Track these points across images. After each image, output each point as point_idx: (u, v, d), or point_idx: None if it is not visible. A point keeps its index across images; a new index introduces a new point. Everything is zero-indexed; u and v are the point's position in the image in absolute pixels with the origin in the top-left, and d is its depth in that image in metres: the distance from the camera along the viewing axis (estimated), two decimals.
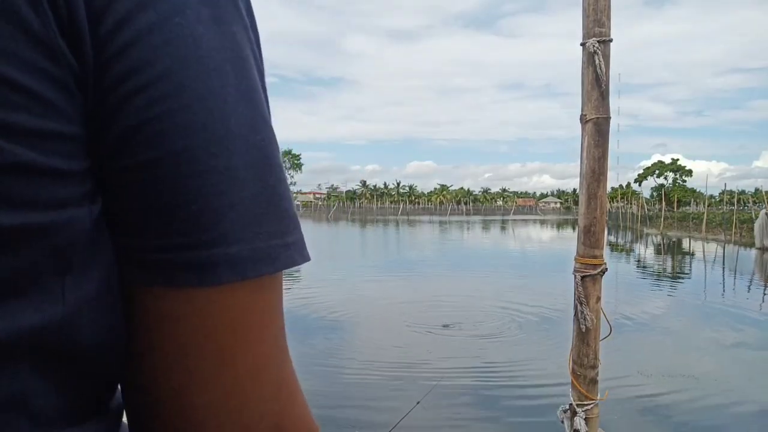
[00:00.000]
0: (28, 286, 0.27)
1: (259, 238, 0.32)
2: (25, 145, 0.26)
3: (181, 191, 0.30)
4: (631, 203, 63.94)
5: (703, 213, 38.12)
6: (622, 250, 26.06)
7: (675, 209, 57.83)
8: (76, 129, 0.28)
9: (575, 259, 2.09)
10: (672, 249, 26.71)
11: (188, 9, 0.30)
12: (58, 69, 0.27)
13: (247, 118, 0.32)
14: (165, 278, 0.31)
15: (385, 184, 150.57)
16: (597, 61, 1.96)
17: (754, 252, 22.82)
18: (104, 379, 0.34)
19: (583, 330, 2.06)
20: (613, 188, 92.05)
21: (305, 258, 0.35)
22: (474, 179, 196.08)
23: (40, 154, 0.26)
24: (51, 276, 0.28)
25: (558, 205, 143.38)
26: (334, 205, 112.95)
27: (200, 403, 0.33)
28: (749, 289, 13.17)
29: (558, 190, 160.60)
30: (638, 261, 20.50)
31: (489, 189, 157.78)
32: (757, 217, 25.36)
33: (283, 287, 0.37)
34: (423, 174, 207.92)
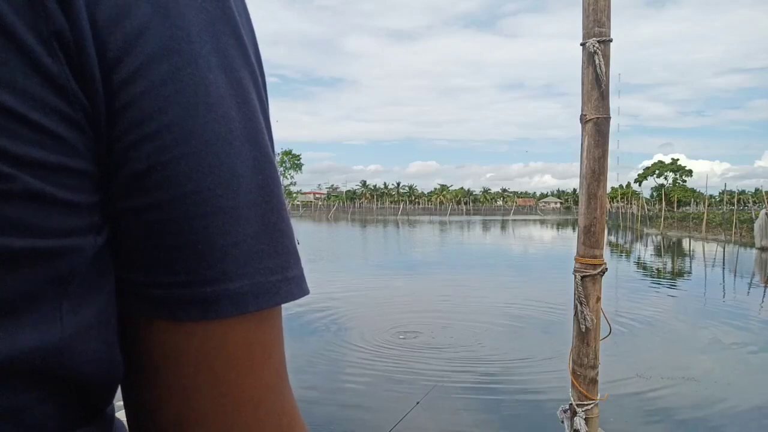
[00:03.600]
0: (28, 308, 0.28)
1: (260, 273, 0.33)
2: (37, 176, 0.27)
3: (187, 231, 0.31)
4: (631, 203, 63.88)
5: (703, 213, 38.11)
6: (622, 250, 26.05)
7: (675, 209, 57.83)
8: (86, 164, 0.29)
9: (575, 259, 2.09)
10: (672, 249, 26.70)
11: (200, 59, 0.31)
12: (70, 108, 0.28)
13: (251, 159, 0.33)
14: (168, 313, 0.32)
15: (385, 184, 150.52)
16: (597, 61, 1.96)
17: (754, 252, 22.81)
18: (99, 396, 0.34)
19: (583, 330, 2.06)
20: (613, 188, 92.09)
21: (304, 291, 0.36)
22: (476, 179, 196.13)
23: (50, 185, 0.28)
24: (50, 300, 0.29)
25: (558, 205, 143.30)
26: (334, 205, 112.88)
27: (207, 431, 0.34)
28: (749, 289, 13.17)
29: (558, 190, 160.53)
30: (638, 261, 20.49)
31: (489, 189, 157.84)
32: (757, 217, 25.35)
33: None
34: (425, 174, 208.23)
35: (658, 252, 25.22)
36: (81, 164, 0.29)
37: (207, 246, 0.32)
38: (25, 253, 0.27)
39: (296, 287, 0.36)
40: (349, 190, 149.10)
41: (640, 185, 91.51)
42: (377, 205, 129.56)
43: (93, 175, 0.30)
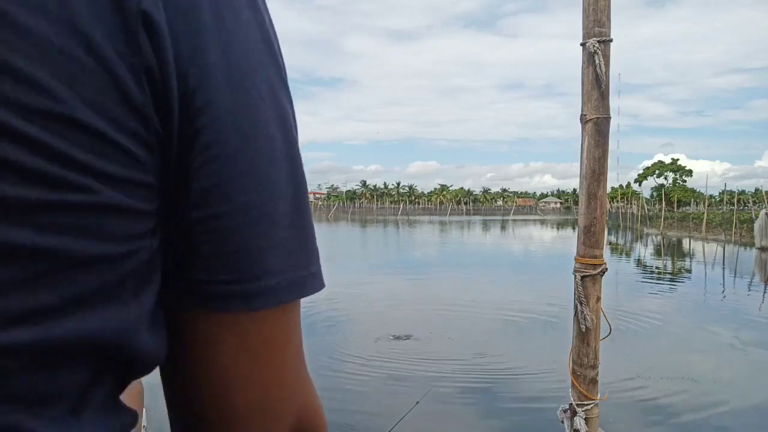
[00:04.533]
0: (101, 298, 0.33)
1: (292, 270, 0.40)
2: (115, 190, 0.32)
3: (239, 237, 0.37)
4: (631, 203, 63.86)
5: (703, 213, 38.10)
6: (622, 251, 26.04)
7: (675, 209, 57.79)
8: (151, 179, 0.35)
9: (575, 259, 2.08)
10: (672, 249, 26.69)
11: (253, 90, 0.37)
12: (146, 132, 0.33)
13: (288, 173, 0.40)
14: (220, 305, 0.38)
15: (385, 184, 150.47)
16: (597, 61, 1.96)
17: (754, 252, 22.81)
18: (137, 375, 0.40)
19: (583, 330, 2.06)
20: (613, 188, 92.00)
21: (323, 284, 0.44)
22: (476, 179, 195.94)
23: (125, 197, 0.33)
24: (117, 292, 0.34)
25: (558, 205, 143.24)
26: (334, 205, 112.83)
27: (242, 402, 0.42)
28: (749, 289, 13.17)
29: (558, 190, 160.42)
30: (638, 261, 20.49)
31: (489, 189, 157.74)
32: (757, 217, 25.34)
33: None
34: (426, 174, 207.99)
35: (658, 252, 25.22)
36: (148, 179, 0.34)
37: (254, 248, 0.38)
38: (100, 256, 0.32)
39: (317, 281, 0.43)
40: (349, 190, 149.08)
41: (640, 185, 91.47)
42: (377, 205, 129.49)
43: (155, 187, 0.35)
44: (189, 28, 0.34)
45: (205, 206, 0.36)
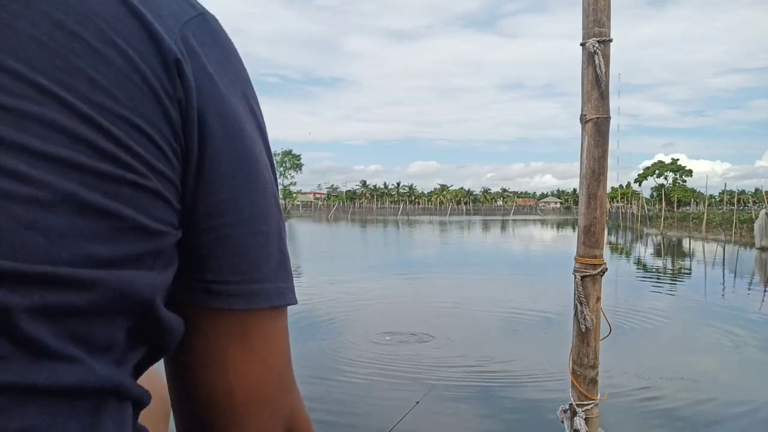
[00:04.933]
0: (141, 263, 0.42)
1: (278, 279, 0.49)
2: (159, 181, 0.43)
3: (242, 245, 0.47)
4: (631, 203, 63.81)
5: (703, 213, 38.08)
6: (622, 250, 26.04)
7: (675, 209, 57.78)
8: (178, 182, 0.44)
9: (575, 259, 2.08)
10: (672, 249, 26.69)
11: (245, 123, 0.48)
12: (177, 144, 0.44)
13: (275, 202, 0.50)
14: (224, 303, 0.47)
15: (385, 184, 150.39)
16: (597, 61, 1.96)
17: (754, 252, 22.80)
18: (159, 352, 0.48)
19: (583, 330, 2.06)
20: (613, 188, 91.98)
21: (295, 301, 0.52)
22: (477, 179, 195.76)
23: (161, 186, 0.43)
24: (152, 262, 0.43)
25: (558, 205, 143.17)
26: (334, 205, 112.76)
27: (241, 394, 0.49)
28: (749, 289, 13.17)
29: (558, 190, 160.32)
30: (638, 261, 20.49)
31: (489, 189, 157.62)
32: (757, 217, 25.33)
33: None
34: (426, 174, 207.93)
35: (658, 252, 25.21)
36: (176, 180, 0.44)
37: (254, 256, 0.47)
38: (146, 228, 0.41)
39: (292, 296, 0.51)
40: (349, 190, 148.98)
41: (640, 185, 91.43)
42: (377, 205, 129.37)
43: (178, 188, 0.44)
44: (205, 84, 0.46)
45: (216, 217, 0.45)
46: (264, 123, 0.53)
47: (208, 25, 0.48)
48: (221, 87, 0.46)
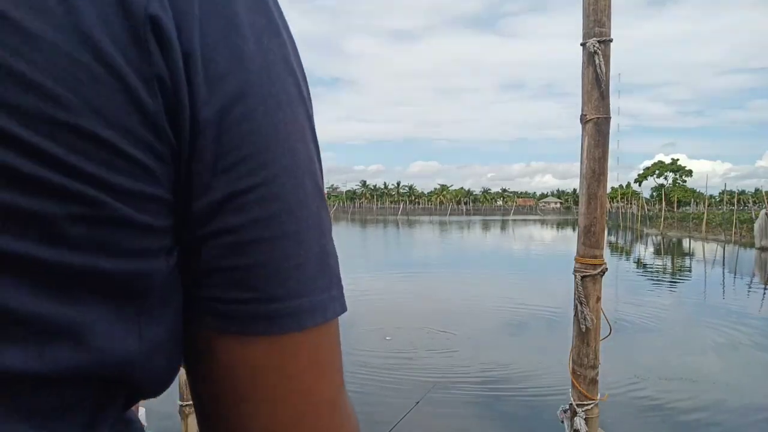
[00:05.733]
0: (112, 322, 0.31)
1: (314, 292, 0.36)
2: (123, 202, 0.30)
3: (257, 253, 0.34)
4: (631, 203, 63.85)
5: (703, 213, 38.09)
6: (622, 251, 26.04)
7: (675, 209, 57.79)
8: (164, 192, 0.32)
9: (575, 259, 2.08)
10: (672, 249, 26.69)
11: (270, 98, 0.35)
12: (159, 143, 0.31)
13: (310, 188, 0.37)
14: (237, 327, 0.35)
15: (385, 184, 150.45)
16: (597, 61, 1.96)
17: (754, 252, 22.80)
18: (144, 397, 0.38)
19: (583, 330, 2.06)
20: (613, 188, 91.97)
21: (344, 308, 0.39)
22: (477, 179, 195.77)
23: (133, 210, 0.31)
24: (131, 316, 0.32)
25: (558, 205, 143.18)
26: (334, 205, 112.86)
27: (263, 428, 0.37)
28: (749, 289, 13.17)
29: (558, 190, 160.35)
30: (638, 261, 20.48)
31: (489, 189, 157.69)
32: (757, 217, 25.34)
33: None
34: (427, 174, 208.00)
35: (658, 252, 25.21)
36: (160, 192, 0.32)
37: (274, 267, 0.35)
38: (111, 273, 0.30)
39: (339, 305, 0.39)
40: (349, 190, 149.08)
41: (640, 185, 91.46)
42: (377, 205, 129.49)
43: (168, 201, 0.33)
44: (200, 34, 0.32)
45: (219, 220, 0.34)
46: (305, 81, 0.39)
47: None
48: (225, 30, 0.34)
